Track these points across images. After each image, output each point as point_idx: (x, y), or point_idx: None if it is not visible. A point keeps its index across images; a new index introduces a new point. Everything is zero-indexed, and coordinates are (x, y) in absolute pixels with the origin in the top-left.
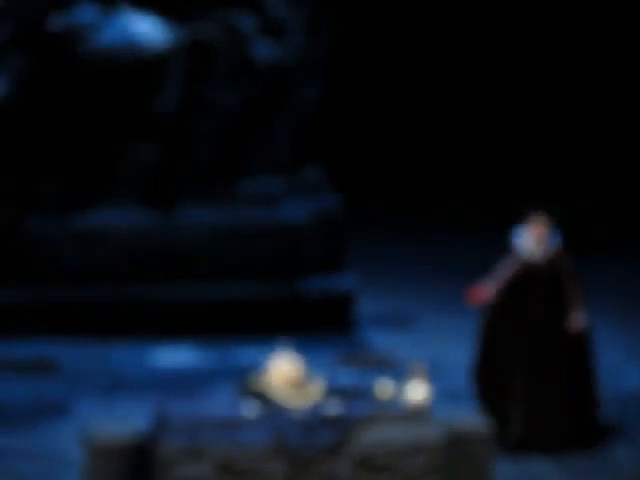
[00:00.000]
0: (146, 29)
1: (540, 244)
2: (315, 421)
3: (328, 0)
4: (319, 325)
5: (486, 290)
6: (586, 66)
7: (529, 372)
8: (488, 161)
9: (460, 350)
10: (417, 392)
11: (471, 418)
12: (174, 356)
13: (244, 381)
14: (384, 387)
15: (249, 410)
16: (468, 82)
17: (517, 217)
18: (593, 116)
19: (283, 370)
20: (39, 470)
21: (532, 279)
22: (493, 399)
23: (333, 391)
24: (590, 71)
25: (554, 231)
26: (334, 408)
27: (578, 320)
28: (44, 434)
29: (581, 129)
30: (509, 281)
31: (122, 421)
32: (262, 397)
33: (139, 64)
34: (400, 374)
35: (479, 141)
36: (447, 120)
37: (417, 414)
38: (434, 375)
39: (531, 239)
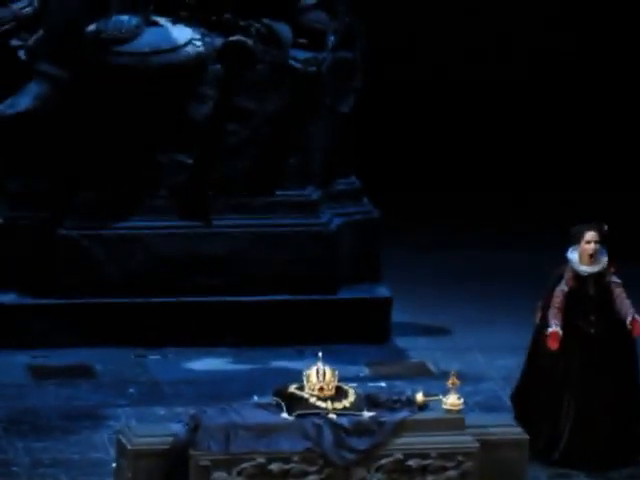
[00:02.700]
0: (182, 36)
1: (592, 260)
2: (350, 428)
3: (366, 10)
4: (354, 333)
5: (556, 334)
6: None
7: (580, 386)
8: (534, 168)
9: (496, 361)
10: (451, 400)
11: (505, 426)
12: (209, 363)
13: (279, 388)
14: (418, 395)
15: (284, 417)
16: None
17: (560, 226)
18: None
19: (318, 377)
20: (74, 478)
21: (583, 294)
22: (539, 412)
23: (367, 399)
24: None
25: (603, 245)
26: (369, 415)
27: (637, 321)
28: (80, 442)
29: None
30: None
31: (158, 427)
32: (297, 404)
33: (174, 71)
34: (435, 383)
35: (522, 146)
36: (485, 124)
37: (451, 422)
38: (469, 385)
39: (583, 256)
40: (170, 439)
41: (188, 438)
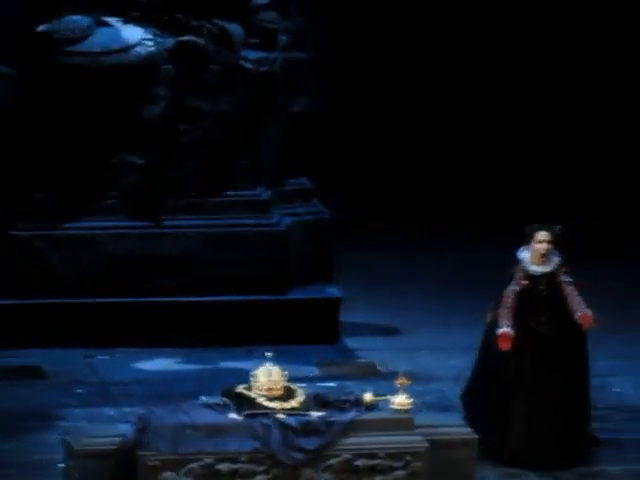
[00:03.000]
0: (133, 36)
1: (543, 260)
2: (298, 428)
3: (321, 10)
4: (305, 333)
5: (507, 334)
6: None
7: (530, 386)
8: (488, 176)
9: (446, 361)
10: (400, 400)
11: (454, 426)
12: (159, 363)
13: (228, 388)
14: (367, 395)
15: (232, 417)
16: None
17: (516, 232)
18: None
19: (268, 377)
20: (24, 477)
21: (534, 294)
22: (489, 411)
23: (316, 399)
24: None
25: (555, 247)
26: (317, 415)
27: (586, 315)
28: (29, 441)
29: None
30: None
31: (106, 427)
32: (246, 404)
33: (126, 71)
34: (384, 383)
35: (478, 155)
36: (441, 133)
37: (400, 422)
38: (419, 385)
39: (534, 255)
40: (118, 439)
41: (136, 438)
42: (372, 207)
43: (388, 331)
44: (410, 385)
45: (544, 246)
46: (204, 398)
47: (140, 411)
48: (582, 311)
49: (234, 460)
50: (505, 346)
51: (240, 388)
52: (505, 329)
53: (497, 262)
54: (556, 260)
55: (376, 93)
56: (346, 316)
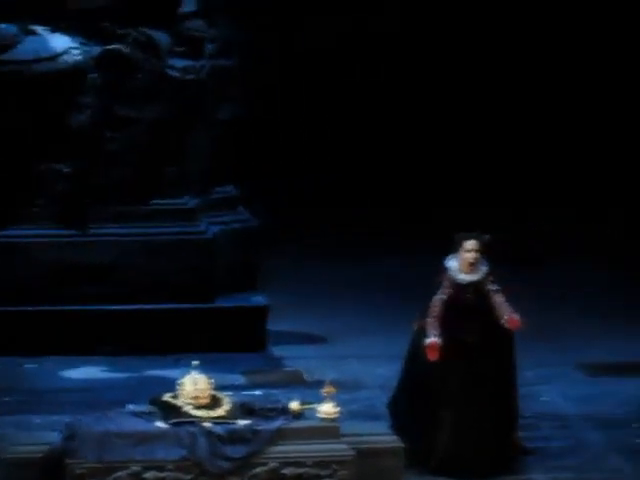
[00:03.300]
0: (60, 44)
1: (471, 268)
2: (225, 436)
3: (248, 18)
4: (231, 341)
5: (435, 344)
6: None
7: (457, 395)
8: (417, 179)
9: (373, 370)
10: (327, 409)
11: (380, 434)
12: (86, 371)
13: (155, 396)
14: (294, 403)
15: (159, 425)
16: (381, 91)
17: (443, 238)
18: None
19: (194, 386)
20: None
21: (461, 302)
22: (417, 420)
23: (243, 407)
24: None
25: (484, 255)
26: (244, 424)
27: (513, 318)
28: None
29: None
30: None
31: (34, 436)
32: (173, 412)
33: (53, 79)
34: (310, 391)
35: (404, 157)
36: (369, 134)
37: (326, 430)
38: (345, 393)
39: (462, 264)
40: (46, 448)
41: (64, 447)
42: (297, 214)
43: (314, 339)
44: (336, 393)
45: (472, 255)
46: (131, 406)
47: (67, 419)
48: (509, 314)
49: (161, 468)
50: (433, 356)
51: (167, 396)
52: (433, 339)
53: (422, 269)
54: (484, 269)
55: (301, 97)
56: (272, 324)
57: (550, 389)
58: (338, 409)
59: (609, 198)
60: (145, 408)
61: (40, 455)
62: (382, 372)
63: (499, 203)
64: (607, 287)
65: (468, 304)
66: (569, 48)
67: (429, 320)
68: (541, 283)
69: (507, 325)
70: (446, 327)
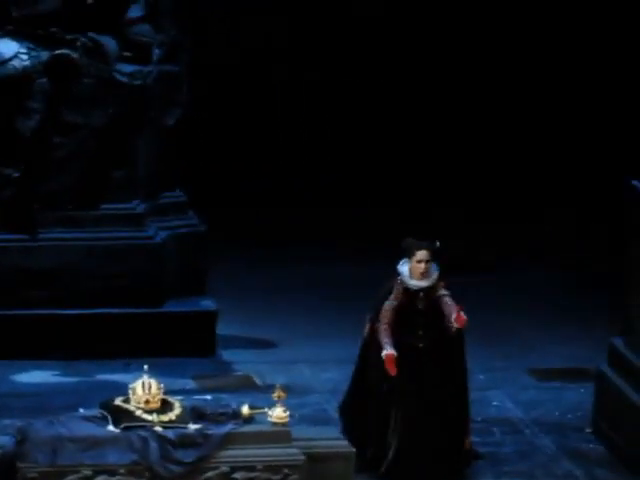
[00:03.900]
0: (8, 49)
1: (423, 276)
2: (176, 441)
3: (192, 22)
4: (180, 346)
5: (392, 357)
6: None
7: (407, 400)
8: (366, 181)
9: (322, 374)
10: (277, 413)
11: (331, 439)
12: (36, 375)
13: (106, 401)
14: (244, 408)
15: (110, 429)
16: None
17: (390, 242)
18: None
19: (144, 390)
20: None
21: (412, 308)
22: (367, 425)
23: (193, 411)
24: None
25: (435, 262)
26: (195, 428)
27: (460, 315)
28: None
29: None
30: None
31: None
32: (123, 417)
33: (2, 85)
34: (261, 396)
35: (354, 156)
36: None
37: (277, 435)
38: (295, 398)
39: (414, 272)
40: None
41: (15, 450)
42: (242, 218)
43: (263, 344)
44: (287, 398)
45: (423, 266)
46: (82, 410)
47: (19, 423)
48: (456, 312)
49: (112, 472)
50: (392, 369)
51: (118, 401)
52: (389, 351)
53: (373, 273)
54: (435, 275)
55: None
56: (220, 329)
57: (501, 394)
58: (288, 413)
59: (557, 198)
60: (96, 412)
61: None
62: (332, 376)
63: (451, 205)
64: (558, 292)
65: (418, 309)
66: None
67: (381, 328)
68: (492, 288)
69: (455, 323)
70: (396, 332)
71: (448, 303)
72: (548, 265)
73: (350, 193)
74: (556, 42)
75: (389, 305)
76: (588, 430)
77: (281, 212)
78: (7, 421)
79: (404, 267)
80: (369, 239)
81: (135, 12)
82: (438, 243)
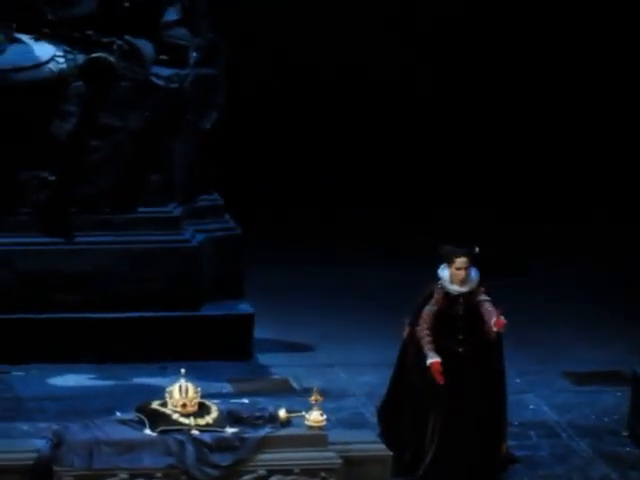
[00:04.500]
0: (44, 53)
1: (463, 282)
2: (212, 444)
3: (228, 26)
4: (217, 350)
5: (438, 365)
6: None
7: (446, 404)
8: (404, 188)
9: (359, 378)
10: (314, 417)
11: (367, 442)
12: (72, 379)
13: (142, 404)
14: (281, 411)
15: (147, 433)
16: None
17: (421, 245)
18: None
19: (181, 394)
20: None
21: (452, 313)
22: (405, 428)
23: (230, 415)
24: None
25: (474, 267)
26: (231, 431)
27: (499, 319)
28: None
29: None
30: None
31: (21, 443)
32: (160, 420)
33: (37, 88)
34: (298, 399)
35: (395, 165)
36: (355, 141)
37: (314, 438)
38: (332, 401)
39: (453, 278)
40: (34, 455)
41: (51, 454)
42: (277, 221)
43: (300, 347)
44: (323, 401)
45: (462, 273)
46: (118, 414)
47: (55, 427)
48: (496, 317)
49: (149, 476)
50: (439, 377)
51: (154, 404)
52: (435, 359)
53: (407, 277)
54: (475, 280)
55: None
56: (257, 332)
57: (537, 397)
58: (325, 417)
59: (591, 199)
60: (132, 416)
61: (28, 462)
62: (368, 380)
63: (483, 205)
64: (593, 294)
65: (459, 314)
66: (563, 54)
67: (423, 334)
68: (526, 291)
69: (494, 327)
70: (436, 337)
71: (488, 309)
72: (582, 267)
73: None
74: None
75: (429, 310)
76: (624, 433)
77: (321, 213)
78: (43, 424)
79: (444, 272)
80: (402, 243)
81: (171, 15)
82: (477, 249)
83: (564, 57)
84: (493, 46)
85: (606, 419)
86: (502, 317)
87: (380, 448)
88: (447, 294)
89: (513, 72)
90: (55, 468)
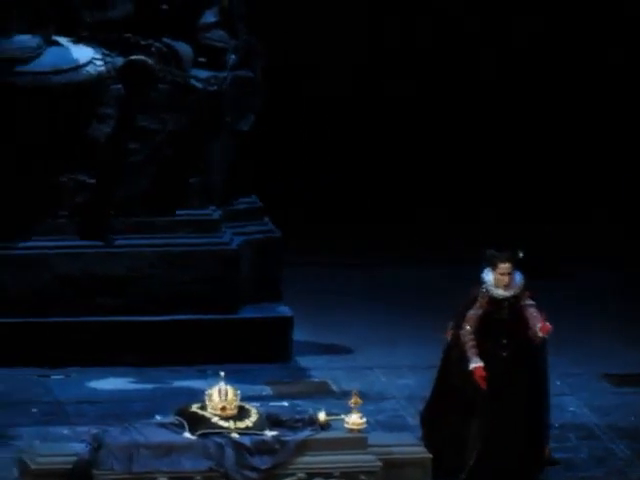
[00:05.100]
0: (83, 55)
1: (507, 287)
2: (252, 447)
3: (266, 29)
4: (256, 352)
5: (481, 370)
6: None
7: (489, 408)
8: (440, 192)
9: (398, 380)
10: (354, 420)
11: (407, 445)
12: (112, 382)
13: (181, 407)
14: (321, 414)
15: (186, 436)
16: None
17: (454, 248)
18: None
19: (220, 397)
20: None
21: (496, 317)
22: (448, 431)
23: (270, 418)
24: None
25: (518, 271)
26: (271, 435)
27: (545, 325)
28: None
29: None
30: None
31: (60, 446)
32: (199, 423)
33: (75, 90)
34: (337, 402)
35: (432, 171)
36: (393, 147)
37: (354, 441)
38: (371, 404)
39: (497, 282)
40: (73, 458)
41: (91, 457)
42: (313, 223)
43: (339, 350)
44: (363, 404)
45: (506, 278)
46: (158, 417)
47: (94, 430)
48: (541, 322)
49: (188, 479)
50: (482, 382)
51: (194, 407)
52: (478, 364)
53: (442, 279)
54: (519, 284)
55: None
56: (297, 335)
57: (576, 399)
58: (365, 420)
59: (611, 198)
60: (172, 419)
61: (68, 466)
62: (408, 382)
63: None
64: (632, 296)
65: (503, 318)
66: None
67: (467, 338)
68: (566, 293)
69: (539, 332)
70: (480, 340)
71: (533, 314)
72: (621, 268)
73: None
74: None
75: (474, 313)
76: None
77: (349, 215)
78: (82, 428)
79: (488, 276)
80: (437, 246)
81: (209, 18)
82: (521, 254)
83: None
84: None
85: None
86: (547, 322)
87: (420, 451)
88: (491, 298)
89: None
90: (94, 472)
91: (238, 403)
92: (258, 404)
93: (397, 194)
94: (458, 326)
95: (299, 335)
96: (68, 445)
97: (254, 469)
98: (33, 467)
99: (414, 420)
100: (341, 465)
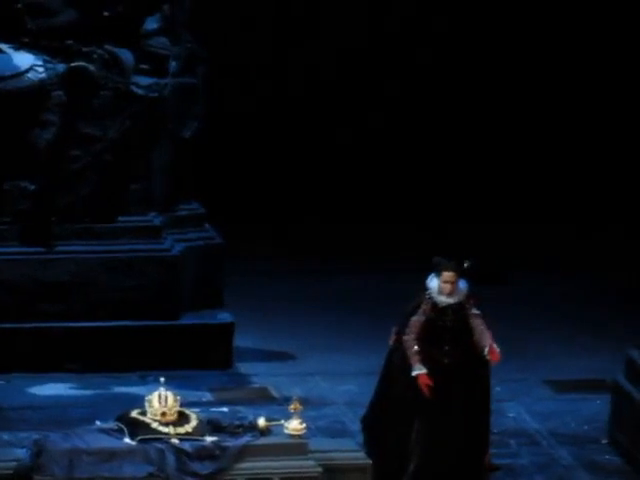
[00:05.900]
0: (24, 62)
1: (450, 295)
2: (193, 453)
3: (208, 34)
4: (197, 359)
5: (425, 377)
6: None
7: (430, 414)
8: (383, 194)
9: (339, 386)
10: (294, 425)
11: (348, 451)
12: (53, 388)
13: (122, 413)
14: (261, 420)
15: (127, 442)
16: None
17: (402, 253)
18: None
19: (160, 402)
20: None
21: (439, 324)
22: (389, 437)
23: (210, 424)
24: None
25: (463, 278)
26: (211, 440)
27: (494, 350)
28: None
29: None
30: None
31: (1, 452)
32: (140, 429)
33: (17, 97)
34: (278, 408)
35: (371, 173)
36: (334, 149)
37: (294, 447)
38: (312, 410)
39: (441, 289)
40: (14, 464)
41: (32, 463)
42: (257, 229)
43: (280, 356)
44: (303, 410)
45: (449, 287)
46: (98, 423)
47: (35, 436)
48: (490, 345)
49: None
50: (427, 389)
51: (134, 413)
52: (422, 371)
53: (389, 286)
54: (464, 291)
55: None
56: (238, 341)
57: (517, 405)
58: (305, 425)
59: (571, 208)
60: (112, 425)
61: (9, 471)
62: (349, 389)
63: (463, 219)
64: (574, 303)
65: (446, 325)
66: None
67: (410, 345)
68: (506, 299)
69: (488, 356)
70: (423, 347)
71: (480, 327)
72: (563, 276)
73: (362, 208)
74: (570, 47)
75: (417, 320)
76: (604, 441)
77: (299, 224)
78: (23, 434)
79: (433, 282)
80: (381, 252)
81: (152, 25)
82: (466, 264)
83: (565, 62)
84: (493, 49)
85: (586, 427)
86: (496, 346)
87: (360, 457)
88: (435, 304)
89: (515, 77)
90: (35, 477)
91: (178, 409)
92: (199, 410)
93: (362, 196)
94: (401, 332)
95: (242, 342)
96: (9, 450)
97: (195, 474)
98: None
99: (355, 426)
100: (281, 471)
